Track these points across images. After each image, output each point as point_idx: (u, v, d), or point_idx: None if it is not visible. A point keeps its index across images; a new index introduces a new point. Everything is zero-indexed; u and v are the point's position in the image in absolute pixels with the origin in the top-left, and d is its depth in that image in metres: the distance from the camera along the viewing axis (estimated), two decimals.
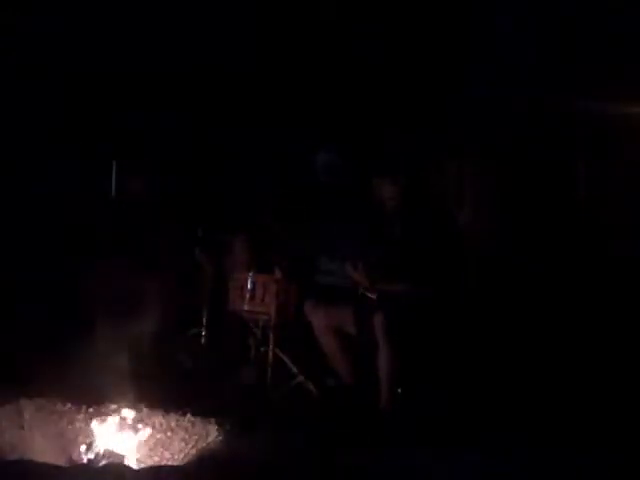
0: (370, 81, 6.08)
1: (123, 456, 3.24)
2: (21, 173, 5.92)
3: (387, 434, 4.19)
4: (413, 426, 4.31)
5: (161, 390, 3.80)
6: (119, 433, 3.36)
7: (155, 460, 3.31)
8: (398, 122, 6.10)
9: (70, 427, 3.39)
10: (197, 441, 3.32)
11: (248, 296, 5.13)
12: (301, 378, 4.99)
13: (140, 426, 3.39)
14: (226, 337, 5.42)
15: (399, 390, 4.58)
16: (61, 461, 3.21)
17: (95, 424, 3.38)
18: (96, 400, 3.48)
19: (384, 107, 6.12)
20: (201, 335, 5.42)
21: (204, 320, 5.39)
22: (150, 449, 3.36)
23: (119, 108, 6.08)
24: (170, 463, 3.27)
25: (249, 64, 6.10)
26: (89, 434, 3.35)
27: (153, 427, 3.41)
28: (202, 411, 3.46)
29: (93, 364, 4.77)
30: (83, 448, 3.28)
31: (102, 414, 3.43)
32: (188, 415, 3.42)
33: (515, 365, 5.17)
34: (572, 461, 3.89)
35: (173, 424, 3.41)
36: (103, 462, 3.17)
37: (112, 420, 3.40)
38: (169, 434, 3.38)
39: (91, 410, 3.44)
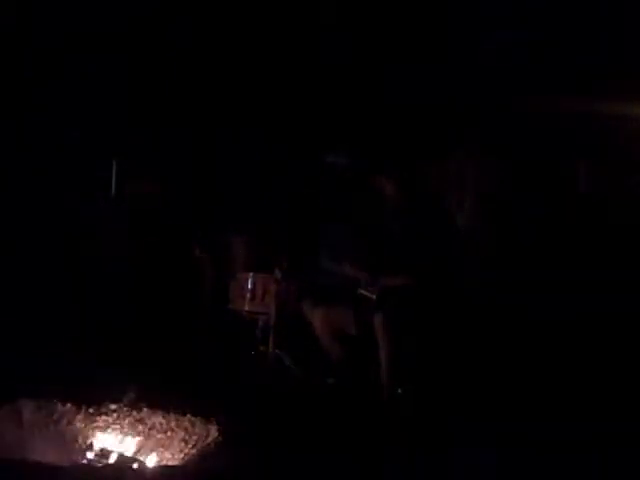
0: (370, 81, 6.08)
1: (123, 456, 3.24)
2: (21, 173, 5.93)
3: (387, 434, 4.18)
4: (413, 426, 4.31)
5: (161, 390, 3.80)
6: (119, 433, 3.36)
7: (155, 460, 3.31)
8: (398, 121, 6.10)
9: (70, 427, 3.39)
10: (197, 441, 3.32)
11: (248, 296, 5.14)
12: (301, 378, 4.99)
13: (140, 426, 3.39)
14: (226, 337, 5.42)
15: (399, 390, 4.58)
16: (61, 461, 3.21)
17: (95, 424, 3.38)
18: (96, 400, 3.48)
19: (384, 107, 6.12)
20: (201, 335, 5.41)
21: (204, 320, 5.39)
22: (150, 449, 3.36)
23: (119, 108, 6.09)
24: (170, 463, 3.27)
25: (250, 64, 6.11)
26: (89, 434, 3.35)
27: (153, 427, 3.41)
28: (202, 411, 3.46)
29: (93, 364, 4.80)
30: (83, 448, 3.28)
31: (102, 414, 3.43)
32: (188, 415, 3.43)
33: (516, 364, 5.16)
34: (572, 461, 3.89)
35: (173, 424, 3.41)
36: (103, 462, 3.17)
37: (112, 420, 3.40)
38: (169, 434, 3.39)
39: (91, 410, 3.44)
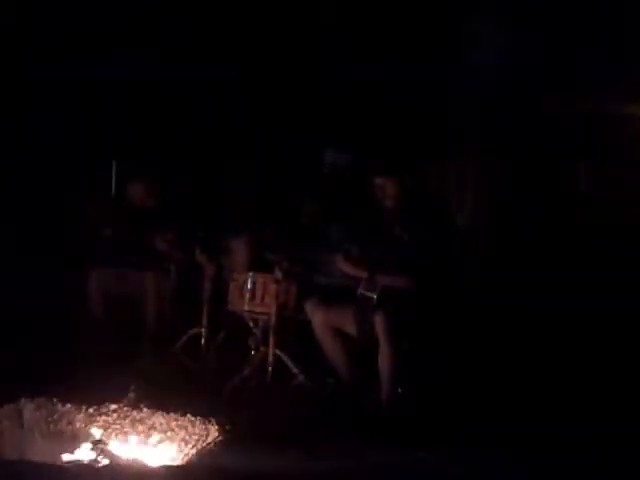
0: (369, 81, 6.09)
1: (123, 456, 3.23)
2: (21, 173, 5.94)
3: (387, 434, 4.18)
4: (413, 426, 4.31)
5: (161, 390, 3.80)
6: (119, 433, 3.36)
7: (155, 460, 3.31)
8: (398, 121, 6.10)
9: (70, 427, 3.39)
10: (197, 441, 3.32)
11: (248, 296, 5.13)
12: (301, 378, 4.99)
13: (140, 426, 3.39)
14: (226, 337, 5.42)
15: (399, 390, 4.58)
16: (61, 461, 3.21)
17: (95, 424, 3.38)
18: (96, 400, 3.48)
19: (384, 107, 6.13)
20: (201, 335, 5.42)
21: (204, 320, 5.39)
22: (150, 449, 3.35)
23: (119, 108, 6.10)
24: (170, 463, 3.27)
25: (250, 64, 6.11)
26: (89, 434, 3.35)
27: (153, 427, 3.40)
28: (202, 411, 3.46)
29: (94, 364, 4.80)
30: (83, 448, 3.27)
31: (102, 414, 3.42)
32: (188, 415, 3.42)
33: (516, 364, 5.17)
34: (572, 461, 3.89)
35: (173, 424, 3.40)
36: (103, 462, 3.17)
37: (112, 420, 3.39)
38: (169, 434, 3.38)
39: (91, 410, 3.44)
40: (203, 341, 5.41)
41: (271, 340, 5.07)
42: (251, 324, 5.27)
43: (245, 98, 6.21)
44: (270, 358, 5.06)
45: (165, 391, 3.84)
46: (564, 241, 5.97)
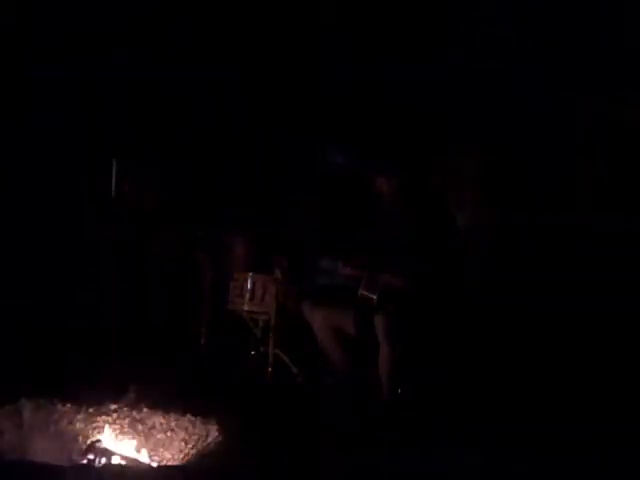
0: (370, 81, 6.09)
1: (123, 456, 3.24)
2: (22, 173, 5.94)
3: (387, 434, 4.18)
4: (413, 426, 4.31)
5: (161, 390, 3.80)
6: (119, 433, 3.37)
7: (155, 460, 3.31)
8: (398, 121, 6.10)
9: (70, 427, 3.39)
10: (197, 441, 3.32)
11: (248, 296, 5.14)
12: (301, 378, 4.99)
13: (140, 426, 3.39)
14: (226, 337, 5.43)
15: (399, 390, 4.58)
16: (61, 461, 3.21)
17: (95, 424, 3.38)
18: (96, 400, 3.48)
19: (384, 107, 6.13)
20: (201, 335, 5.42)
21: (204, 320, 5.40)
22: (150, 449, 3.36)
23: (119, 108, 6.10)
24: (170, 463, 3.27)
25: (250, 64, 6.11)
26: (89, 434, 3.35)
27: (153, 427, 3.41)
28: (202, 411, 3.46)
29: (93, 364, 4.80)
30: (83, 448, 3.27)
31: (102, 414, 3.43)
32: (188, 415, 3.42)
33: (515, 364, 5.17)
34: (572, 461, 3.89)
35: (173, 424, 3.41)
36: (103, 462, 3.17)
37: (112, 420, 3.40)
38: (169, 434, 3.38)
39: (91, 410, 3.44)
40: (203, 341, 5.42)
41: (271, 340, 5.08)
42: (251, 324, 5.27)
43: (245, 98, 6.21)
44: (270, 358, 5.07)
45: (165, 391, 3.84)
46: (564, 241, 5.97)
